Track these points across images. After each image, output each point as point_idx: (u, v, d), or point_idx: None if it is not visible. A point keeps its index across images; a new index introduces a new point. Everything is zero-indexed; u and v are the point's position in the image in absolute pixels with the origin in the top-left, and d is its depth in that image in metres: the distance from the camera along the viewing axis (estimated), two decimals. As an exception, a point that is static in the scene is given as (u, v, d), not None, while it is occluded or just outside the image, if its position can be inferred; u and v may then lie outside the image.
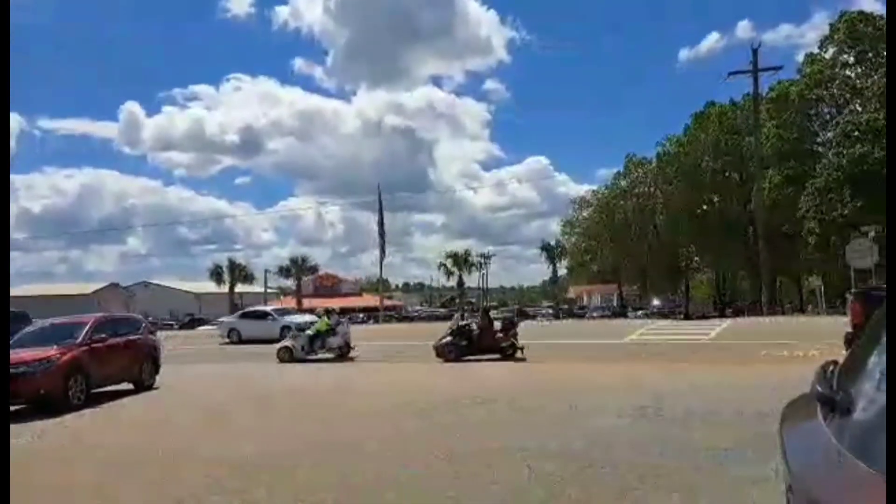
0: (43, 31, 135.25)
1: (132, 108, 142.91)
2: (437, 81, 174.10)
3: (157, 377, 13.23)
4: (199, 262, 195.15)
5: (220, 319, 31.87)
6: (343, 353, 18.68)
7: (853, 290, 9.62)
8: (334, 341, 18.74)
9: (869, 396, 1.60)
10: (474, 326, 17.62)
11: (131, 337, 12.45)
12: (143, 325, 13.44)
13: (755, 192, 36.58)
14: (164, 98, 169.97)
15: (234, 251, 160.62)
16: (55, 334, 11.26)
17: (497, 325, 17.95)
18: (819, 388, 1.85)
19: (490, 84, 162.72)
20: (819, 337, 17.95)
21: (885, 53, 22.67)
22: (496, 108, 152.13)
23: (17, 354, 10.31)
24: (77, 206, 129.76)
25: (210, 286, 69.11)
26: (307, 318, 25.43)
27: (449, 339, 17.32)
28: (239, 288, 63.50)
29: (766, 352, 16.35)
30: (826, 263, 43.82)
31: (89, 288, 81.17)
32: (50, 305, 40.56)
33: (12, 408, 10.08)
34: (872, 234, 26.31)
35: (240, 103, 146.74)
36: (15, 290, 74.88)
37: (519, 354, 16.84)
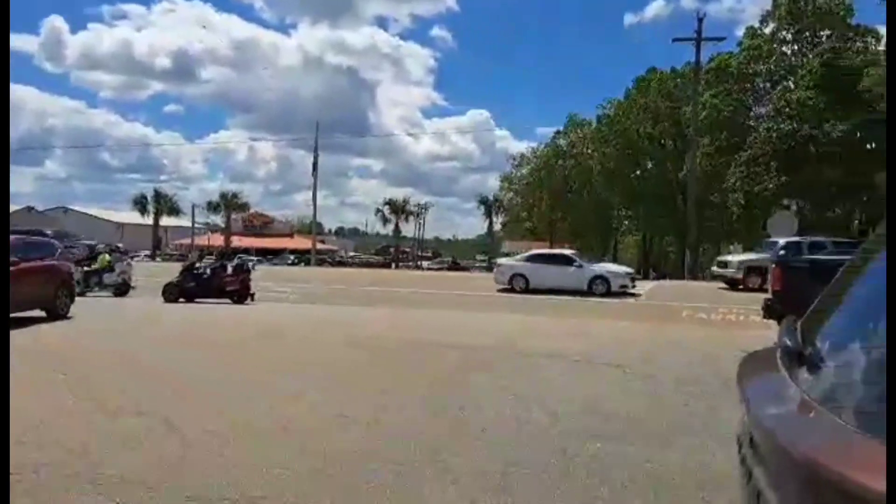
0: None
1: (55, 22, 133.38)
2: (382, 22, 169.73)
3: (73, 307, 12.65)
4: (122, 190, 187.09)
5: (499, 261, 26.99)
6: (121, 291, 18.90)
7: (775, 259, 9.99)
8: (110, 278, 18.99)
9: (841, 349, 1.56)
10: (202, 268, 18.03)
11: (45, 262, 11.79)
12: (59, 249, 12.74)
13: (689, 159, 37.51)
14: (91, 15, 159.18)
15: (159, 182, 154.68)
16: (-41, 256, 10.50)
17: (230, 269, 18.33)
18: (787, 342, 1.81)
19: (437, 31, 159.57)
20: (737, 302, 18.78)
21: (886, 53, 23.25)
22: (442, 55, 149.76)
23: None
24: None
25: (134, 217, 66.50)
26: (616, 268, 23.98)
27: (177, 279, 17.57)
28: (164, 221, 61.25)
29: (687, 313, 17.00)
30: (748, 234, 45.63)
31: (2, 211, 76.80)
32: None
33: None
34: (794, 208, 27.42)
35: (172, 26, 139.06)
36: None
37: (249, 301, 17.22)
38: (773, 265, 9.99)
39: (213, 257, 19.46)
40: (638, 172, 56.46)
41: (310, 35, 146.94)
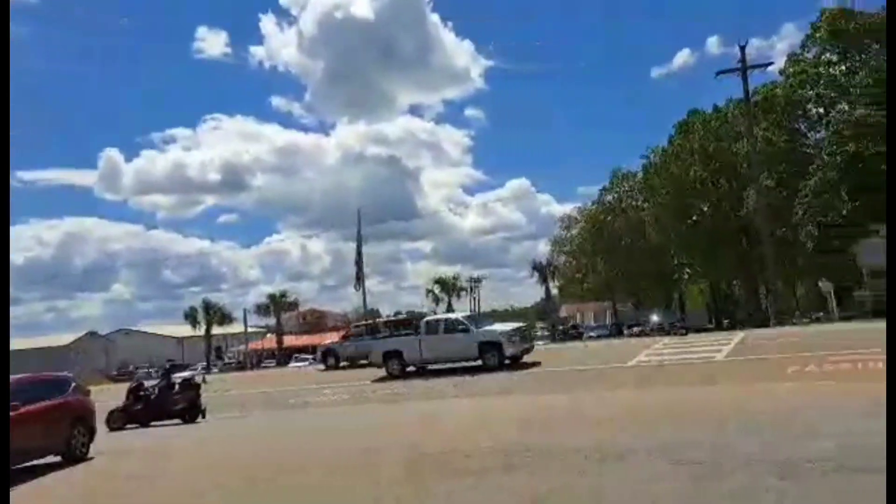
0: (17, 83, 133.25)
1: (111, 154, 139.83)
2: (416, 111, 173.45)
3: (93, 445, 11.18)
4: (185, 305, 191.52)
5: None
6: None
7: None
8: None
9: None
10: (150, 388, 16.49)
11: (56, 401, 10.38)
12: (72, 384, 11.34)
13: (755, 195, 35.04)
14: (142, 142, 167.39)
15: (220, 291, 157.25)
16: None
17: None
18: None
19: (469, 111, 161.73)
20: (846, 347, 16.24)
21: (886, 57, 21.49)
22: (476, 133, 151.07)
23: None
24: (61, 256, 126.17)
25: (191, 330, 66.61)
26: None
27: (122, 403, 16.00)
28: (218, 329, 60.95)
29: (793, 368, 14.58)
30: (825, 266, 42.26)
31: (67, 338, 78.35)
32: (26, 361, 38.28)
33: None
34: (884, 231, 24.80)
35: (219, 143, 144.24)
36: (-13, 346, 71.57)
37: (200, 419, 15.67)
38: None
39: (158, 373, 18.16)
40: (694, 217, 53.84)
41: (349, 132, 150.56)
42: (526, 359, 20.91)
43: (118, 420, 15.65)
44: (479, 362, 20.11)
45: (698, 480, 5.89)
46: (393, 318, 31.86)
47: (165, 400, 16.01)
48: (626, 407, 11.71)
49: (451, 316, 23.00)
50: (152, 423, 15.73)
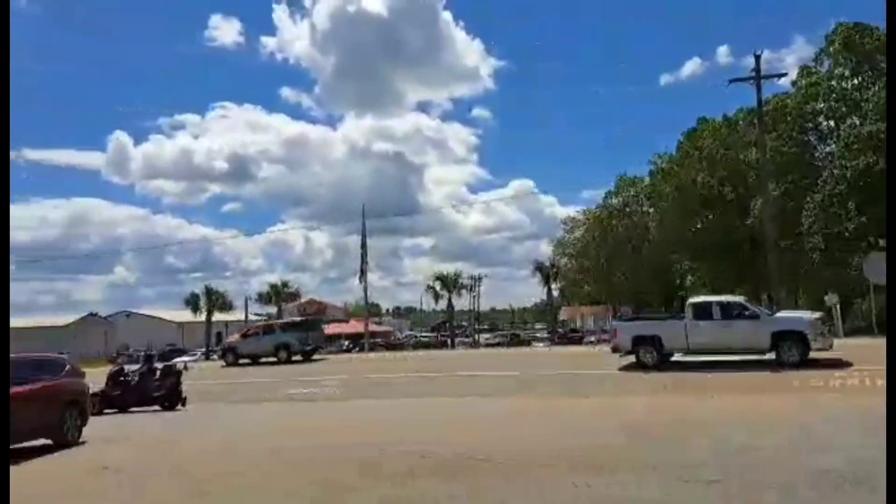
0: (28, 62, 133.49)
1: (119, 137, 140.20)
2: (423, 108, 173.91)
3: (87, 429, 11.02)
4: (187, 291, 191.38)
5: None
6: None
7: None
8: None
9: None
10: (131, 374, 16.34)
11: (47, 382, 10.22)
12: (66, 366, 11.19)
13: (761, 204, 34.80)
14: (151, 127, 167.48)
15: (223, 278, 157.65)
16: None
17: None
18: None
19: (477, 110, 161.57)
20: (851, 361, 16.10)
21: (886, 58, 21.28)
22: (483, 132, 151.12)
23: None
24: (65, 237, 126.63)
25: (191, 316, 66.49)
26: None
27: (102, 388, 15.73)
28: (218, 316, 60.77)
29: (798, 381, 14.40)
30: (830, 279, 42.02)
31: (67, 319, 78.24)
32: (25, 339, 38.32)
33: None
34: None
35: (226, 131, 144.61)
36: (-14, 323, 71.78)
37: (180, 406, 15.64)
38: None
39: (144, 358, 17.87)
40: (699, 225, 53.61)
41: (356, 126, 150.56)
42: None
43: (95, 405, 15.52)
44: (772, 356, 16.80)
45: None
46: (287, 320, 34.45)
47: (146, 386, 15.92)
48: (646, 414, 11.58)
49: (729, 298, 19.18)
50: (131, 410, 15.61)
